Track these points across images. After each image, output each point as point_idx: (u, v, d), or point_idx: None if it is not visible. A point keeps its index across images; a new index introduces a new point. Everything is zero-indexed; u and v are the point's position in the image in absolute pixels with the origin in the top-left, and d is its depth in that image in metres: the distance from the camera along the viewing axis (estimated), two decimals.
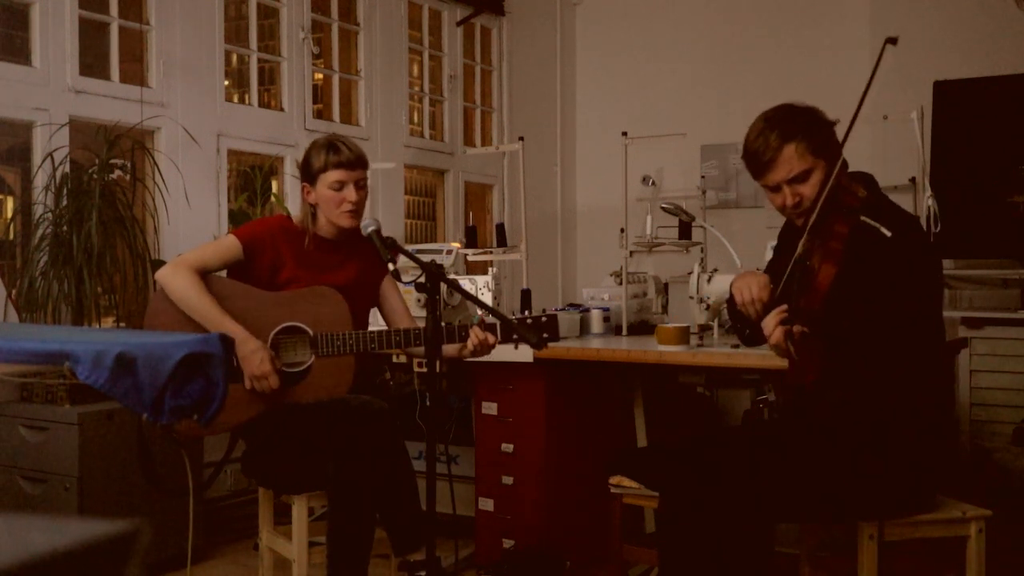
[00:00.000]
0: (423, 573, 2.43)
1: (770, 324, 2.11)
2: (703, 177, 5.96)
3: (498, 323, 2.68)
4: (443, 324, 2.46)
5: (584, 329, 3.88)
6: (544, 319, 2.71)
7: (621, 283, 3.96)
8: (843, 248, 2.19)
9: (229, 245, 2.79)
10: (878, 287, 2.19)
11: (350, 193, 2.78)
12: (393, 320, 2.97)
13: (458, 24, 5.76)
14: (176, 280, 2.67)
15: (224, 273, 2.82)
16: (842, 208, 2.23)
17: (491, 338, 2.69)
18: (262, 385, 2.62)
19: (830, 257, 2.18)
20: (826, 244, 2.19)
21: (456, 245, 3.99)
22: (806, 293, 2.15)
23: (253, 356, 2.61)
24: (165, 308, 2.71)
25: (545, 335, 2.64)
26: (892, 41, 2.08)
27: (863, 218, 2.18)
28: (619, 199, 4.10)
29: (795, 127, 2.25)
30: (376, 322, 3.05)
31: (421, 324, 2.78)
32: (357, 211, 2.81)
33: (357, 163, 2.79)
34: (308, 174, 2.82)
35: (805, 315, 2.12)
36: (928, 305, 2.27)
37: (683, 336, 3.21)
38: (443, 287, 2.46)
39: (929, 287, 2.28)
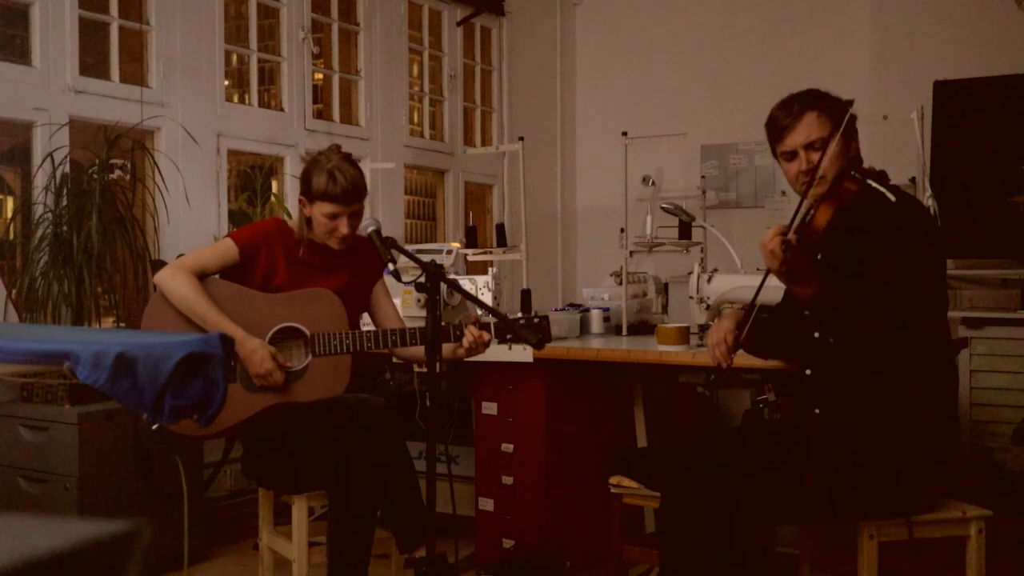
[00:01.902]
0: (426, 569, 2.43)
1: (768, 235, 2.17)
2: (703, 177, 5.95)
3: (492, 321, 2.69)
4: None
5: (584, 329, 3.88)
6: (536, 320, 2.72)
7: (621, 283, 3.96)
8: (847, 200, 2.28)
9: (226, 248, 2.79)
10: (876, 248, 2.24)
11: (343, 224, 2.78)
12: (384, 325, 2.97)
13: (458, 24, 5.76)
14: (174, 282, 2.68)
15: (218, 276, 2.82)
16: (852, 172, 2.32)
17: (486, 335, 2.70)
18: (268, 382, 2.65)
19: (832, 200, 2.28)
20: (832, 192, 2.29)
21: (456, 245, 3.98)
22: (805, 228, 2.24)
23: (253, 356, 2.63)
24: (162, 311, 2.71)
25: (540, 336, 2.65)
26: (849, 103, 2.31)
27: (869, 181, 2.29)
28: (619, 199, 4.10)
29: (817, 100, 2.40)
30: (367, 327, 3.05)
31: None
32: (348, 239, 2.81)
33: (353, 197, 2.77)
34: (307, 191, 2.80)
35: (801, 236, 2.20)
36: (926, 278, 2.25)
37: (683, 336, 3.21)
38: (443, 287, 2.46)
39: (928, 260, 2.28)
